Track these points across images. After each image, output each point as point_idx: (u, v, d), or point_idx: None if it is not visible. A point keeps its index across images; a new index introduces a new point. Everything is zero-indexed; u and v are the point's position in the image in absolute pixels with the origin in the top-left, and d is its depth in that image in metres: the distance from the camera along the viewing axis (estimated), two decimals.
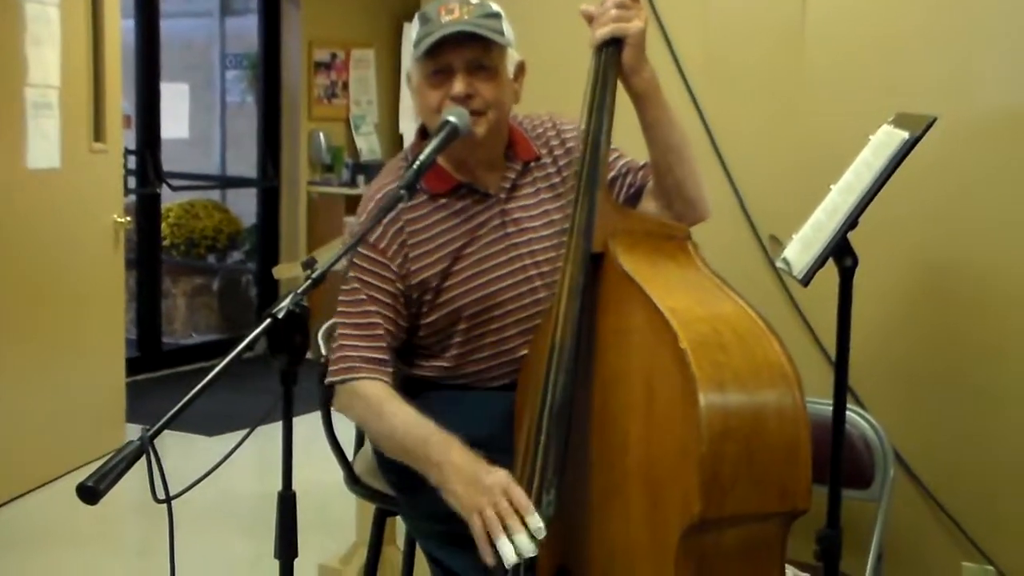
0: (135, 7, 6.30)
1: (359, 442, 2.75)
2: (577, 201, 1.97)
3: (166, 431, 1.61)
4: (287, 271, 5.41)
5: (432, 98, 2.14)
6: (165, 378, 6.37)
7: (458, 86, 2.11)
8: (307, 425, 2.70)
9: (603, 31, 2.00)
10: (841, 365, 2.29)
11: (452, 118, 2.02)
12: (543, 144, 2.30)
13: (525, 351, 2.18)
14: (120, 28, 5.01)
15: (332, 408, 2.24)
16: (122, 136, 5.17)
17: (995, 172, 2.81)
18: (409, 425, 2.07)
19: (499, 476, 1.89)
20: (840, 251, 2.27)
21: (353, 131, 7.07)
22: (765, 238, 3.06)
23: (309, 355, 1.90)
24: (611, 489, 1.89)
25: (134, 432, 1.55)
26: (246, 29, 7.86)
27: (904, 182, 2.37)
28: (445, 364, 2.24)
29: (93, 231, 4.84)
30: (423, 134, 2.24)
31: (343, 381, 2.16)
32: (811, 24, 3.00)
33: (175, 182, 6.86)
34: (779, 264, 2.45)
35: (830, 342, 2.44)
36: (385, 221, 2.12)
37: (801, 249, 2.35)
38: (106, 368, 5.00)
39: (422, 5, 3.82)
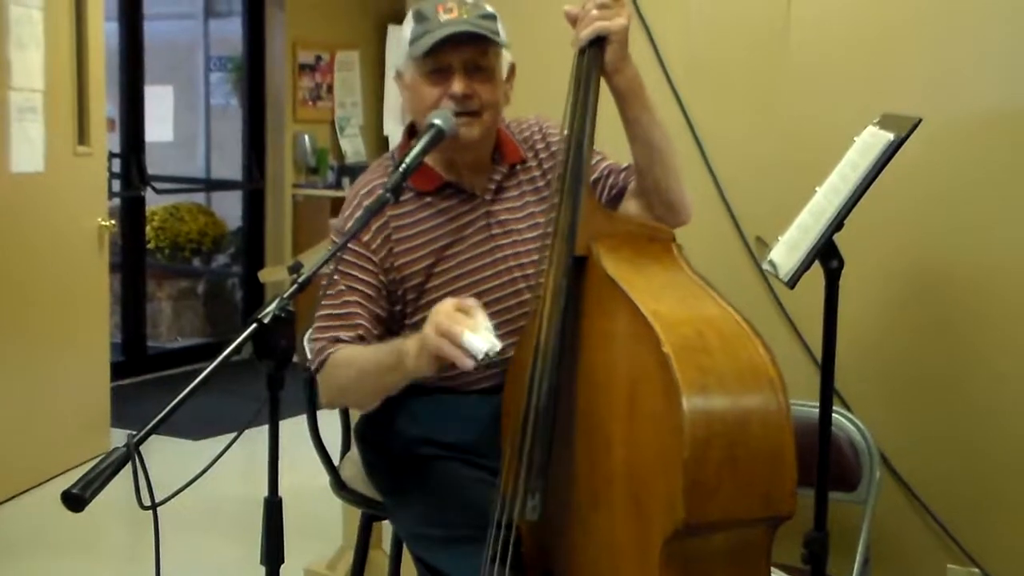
0: (119, 10, 6.28)
1: (346, 446, 2.74)
2: (560, 203, 1.96)
3: (152, 435, 1.61)
4: (273, 274, 5.40)
5: (429, 96, 2.13)
6: (150, 382, 6.35)
7: (458, 86, 2.10)
8: (293, 429, 2.69)
9: (586, 31, 2.00)
10: (827, 367, 2.29)
11: (437, 120, 2.02)
12: (529, 147, 2.30)
13: (509, 353, 2.18)
14: (104, 31, 4.99)
15: (320, 406, 2.23)
16: (106, 139, 5.15)
17: (981, 173, 2.81)
18: (373, 349, 2.07)
19: (447, 301, 1.90)
20: (826, 253, 2.27)
21: (338, 133, 7.06)
22: (751, 240, 3.06)
23: (295, 359, 1.90)
24: (595, 493, 1.88)
25: (119, 437, 1.54)
26: (230, 31, 7.84)
27: (890, 183, 2.38)
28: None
29: (77, 235, 4.82)
30: (411, 133, 2.23)
31: (320, 364, 2.15)
32: (796, 25, 3.01)
33: (160, 185, 6.84)
34: (765, 266, 2.45)
35: (816, 344, 2.44)
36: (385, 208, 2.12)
37: (787, 251, 2.36)
38: (91, 372, 4.98)
39: (408, 5, 3.82)
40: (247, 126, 7.00)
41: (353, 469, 2.55)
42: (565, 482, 1.92)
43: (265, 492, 1.80)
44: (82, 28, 4.78)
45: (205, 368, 1.64)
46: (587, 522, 1.91)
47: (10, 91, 4.38)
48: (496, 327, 2.17)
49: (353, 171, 6.70)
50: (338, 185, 6.83)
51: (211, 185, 8.64)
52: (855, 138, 2.40)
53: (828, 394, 2.30)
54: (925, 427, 2.90)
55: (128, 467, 1.56)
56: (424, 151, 1.95)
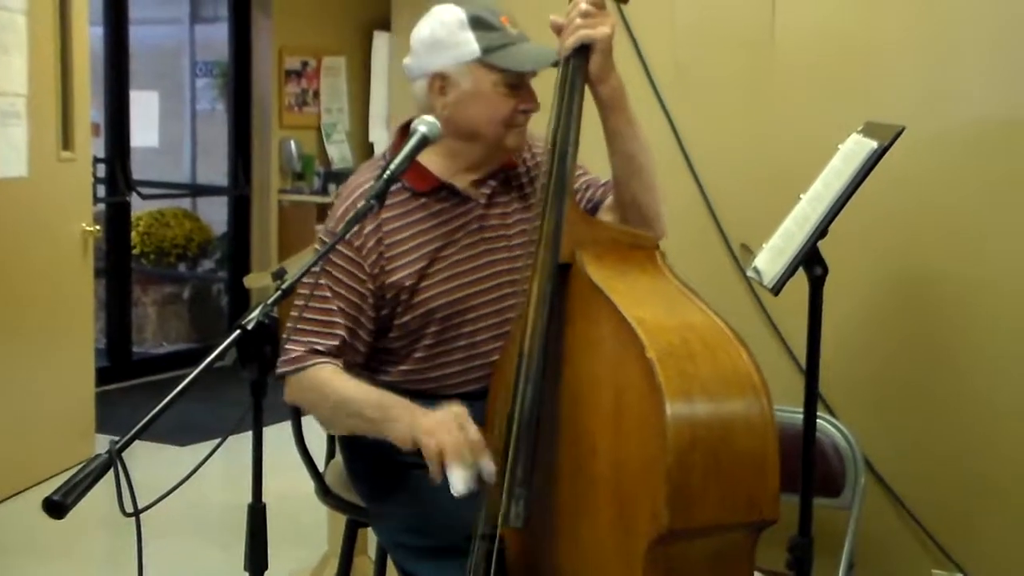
0: (104, 14, 6.25)
1: (330, 453, 2.74)
2: (545, 211, 1.97)
3: (137, 441, 1.60)
4: (259, 280, 5.39)
5: (506, 107, 2.16)
6: (135, 388, 6.32)
7: (534, 101, 2.16)
8: (278, 435, 2.69)
9: (570, 39, 2.01)
10: (812, 373, 2.30)
11: (423, 128, 2.01)
12: (518, 157, 2.31)
13: (495, 357, 2.18)
14: (88, 35, 4.97)
15: (287, 399, 2.22)
16: (91, 144, 5.13)
17: (964, 181, 2.82)
18: (362, 392, 2.09)
19: (458, 409, 1.93)
20: (810, 260, 2.28)
21: (324, 139, 7.05)
22: (736, 247, 3.07)
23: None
24: (579, 499, 1.89)
25: (104, 443, 1.54)
26: (216, 37, 7.83)
27: (874, 191, 2.38)
28: (412, 367, 2.23)
29: (62, 240, 4.80)
30: (403, 133, 2.22)
31: (292, 372, 2.15)
32: (780, 33, 3.02)
33: (145, 190, 6.81)
34: (750, 273, 2.46)
35: (801, 350, 2.45)
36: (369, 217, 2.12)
37: (771, 258, 2.36)
38: (75, 378, 4.96)
39: (393, 12, 3.83)
40: (233, 131, 6.98)
41: (338, 475, 2.55)
42: (548, 488, 1.92)
43: (250, 498, 1.79)
44: (66, 32, 4.76)
45: (190, 374, 1.64)
46: (571, 528, 1.91)
47: None
48: (484, 330, 2.19)
49: (339, 177, 6.68)
50: (324, 191, 6.82)
51: (197, 191, 8.61)
52: (839, 146, 2.41)
53: (812, 400, 2.30)
54: (910, 433, 2.91)
55: (112, 473, 1.55)
56: (408, 158, 1.95)
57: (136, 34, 6.60)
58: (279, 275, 1.77)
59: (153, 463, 4.27)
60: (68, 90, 4.79)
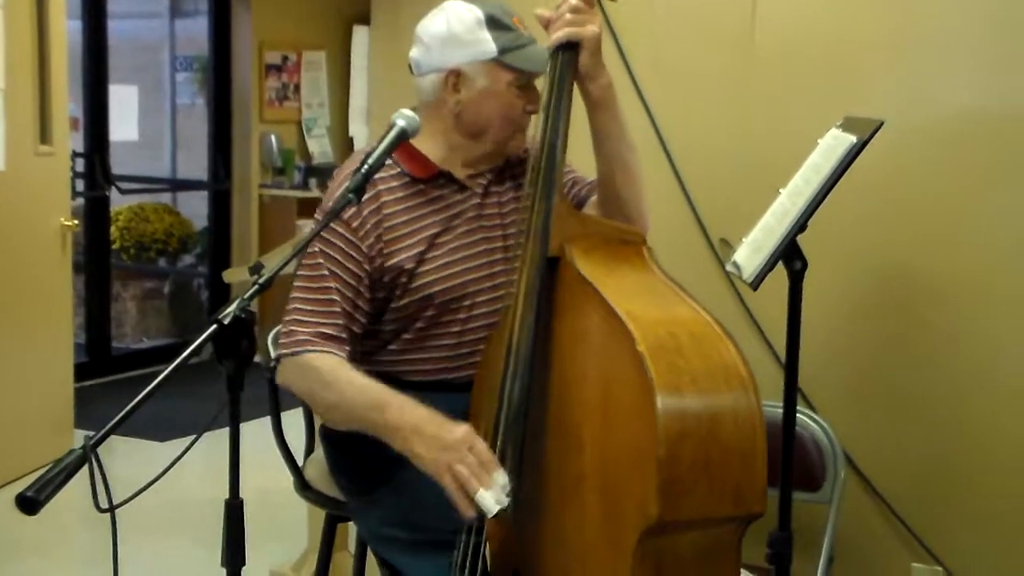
0: (82, 8, 6.22)
1: (309, 448, 2.73)
2: (533, 205, 1.97)
3: (116, 437, 1.59)
4: (238, 275, 5.36)
5: (517, 106, 2.18)
6: (115, 383, 6.30)
7: (539, 103, 2.15)
8: (258, 430, 2.68)
9: (558, 34, 2.01)
10: (791, 367, 2.30)
11: (401, 122, 2.01)
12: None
13: (483, 346, 2.18)
14: (66, 29, 4.94)
15: (279, 381, 2.20)
16: (69, 138, 5.11)
17: (944, 176, 2.83)
18: (363, 391, 2.06)
19: (462, 431, 1.90)
20: (789, 254, 2.28)
21: (305, 134, 7.04)
22: (715, 241, 3.07)
23: (258, 359, 1.89)
24: (567, 492, 1.89)
25: (83, 439, 1.52)
26: (196, 31, 7.80)
27: (853, 185, 2.39)
28: (399, 348, 2.22)
29: (40, 235, 4.78)
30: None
31: (293, 354, 2.12)
32: (760, 28, 3.02)
33: (124, 185, 6.79)
34: (729, 267, 2.46)
35: (780, 344, 2.45)
36: (364, 199, 2.11)
37: (751, 252, 2.36)
38: (54, 374, 4.94)
39: (373, 8, 3.81)
40: (213, 126, 6.96)
41: (317, 470, 2.54)
42: (536, 481, 1.92)
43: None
44: (43, 26, 4.74)
45: (164, 371, 1.63)
46: (557, 522, 1.91)
47: None
48: (478, 317, 2.19)
49: (320, 172, 6.67)
50: (305, 186, 6.81)
51: (177, 185, 8.59)
52: (818, 140, 2.41)
53: (792, 394, 2.30)
54: (889, 427, 2.92)
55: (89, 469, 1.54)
56: (386, 152, 1.95)
57: (115, 28, 6.57)
58: (256, 269, 1.75)
59: (132, 459, 4.27)
60: (45, 84, 4.76)
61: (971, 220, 2.81)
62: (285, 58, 6.93)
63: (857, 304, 2.95)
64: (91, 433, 1.56)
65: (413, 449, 1.94)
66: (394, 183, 2.20)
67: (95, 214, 6.40)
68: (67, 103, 5.00)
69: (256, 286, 1.72)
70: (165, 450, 4.90)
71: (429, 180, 2.22)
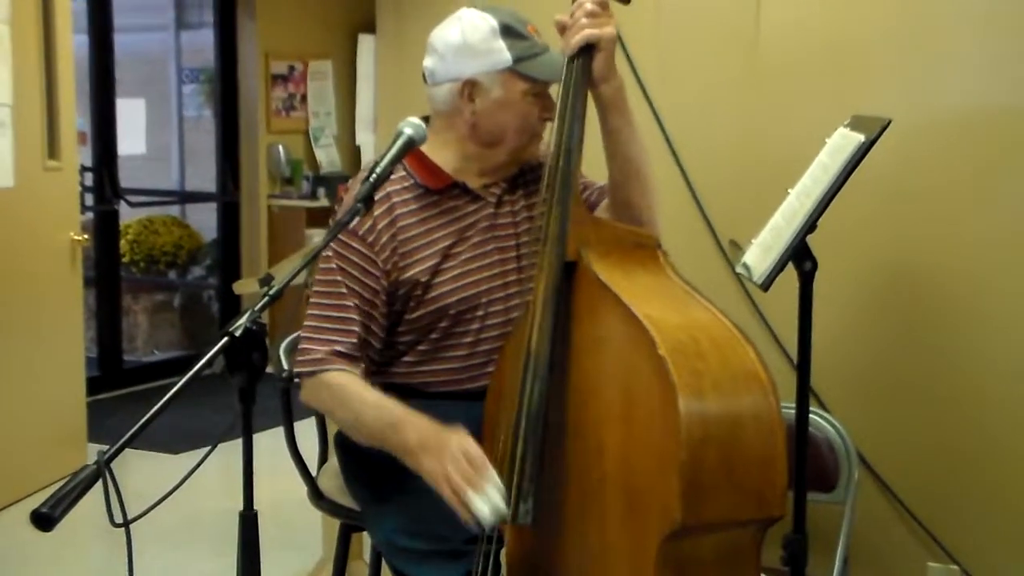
0: (88, 22, 6.24)
1: (323, 458, 2.73)
2: (550, 210, 1.97)
3: (129, 450, 1.59)
4: (249, 286, 5.37)
5: (534, 114, 2.18)
6: (127, 396, 6.31)
7: (555, 111, 2.13)
8: (271, 440, 2.69)
9: (576, 38, 2.01)
10: (803, 368, 2.30)
11: (408, 130, 2.01)
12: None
13: (496, 356, 2.18)
14: (72, 43, 4.95)
15: (300, 399, 2.22)
16: (77, 153, 5.11)
17: (952, 174, 2.83)
18: (375, 410, 2.08)
19: (456, 438, 1.91)
20: (799, 255, 2.28)
21: (312, 143, 7.04)
22: (725, 243, 3.07)
23: (270, 369, 1.89)
24: (587, 497, 1.88)
25: (96, 453, 1.52)
26: (202, 43, 7.82)
27: (862, 185, 2.38)
28: (414, 359, 2.23)
29: (50, 250, 4.78)
30: None
31: (312, 374, 2.15)
32: (765, 28, 3.02)
33: (133, 198, 6.80)
34: (739, 269, 2.45)
35: (792, 345, 2.44)
36: (376, 213, 2.12)
37: (760, 254, 2.36)
38: (66, 388, 4.94)
39: (378, 16, 3.82)
40: (220, 138, 6.97)
41: (331, 480, 2.54)
42: (555, 486, 1.92)
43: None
44: (50, 41, 4.74)
45: (177, 384, 1.63)
46: (578, 527, 1.91)
47: None
48: (491, 328, 2.19)
49: (328, 181, 6.67)
50: (313, 196, 6.81)
51: (185, 197, 8.60)
52: (826, 140, 2.41)
53: (804, 395, 2.30)
54: (903, 426, 2.91)
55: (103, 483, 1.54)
56: (394, 161, 1.95)
57: (121, 42, 6.58)
58: (266, 281, 1.75)
59: (146, 472, 4.26)
60: (53, 99, 4.77)
61: (980, 216, 2.81)
62: (291, 68, 6.93)
63: (868, 303, 2.94)
64: (105, 447, 1.56)
65: (421, 465, 1.97)
66: (408, 195, 2.20)
67: (104, 228, 6.41)
68: (75, 117, 5.00)
69: (266, 298, 1.72)
70: (179, 462, 4.91)
71: (443, 191, 2.22)
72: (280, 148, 6.85)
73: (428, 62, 2.22)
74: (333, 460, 2.49)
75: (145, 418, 1.57)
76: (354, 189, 2.24)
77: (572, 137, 1.98)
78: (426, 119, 2.14)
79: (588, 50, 2.02)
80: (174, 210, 8.03)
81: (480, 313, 2.21)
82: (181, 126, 8.72)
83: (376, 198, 1.96)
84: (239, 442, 1.77)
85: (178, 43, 8.83)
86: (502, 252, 2.23)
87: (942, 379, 2.86)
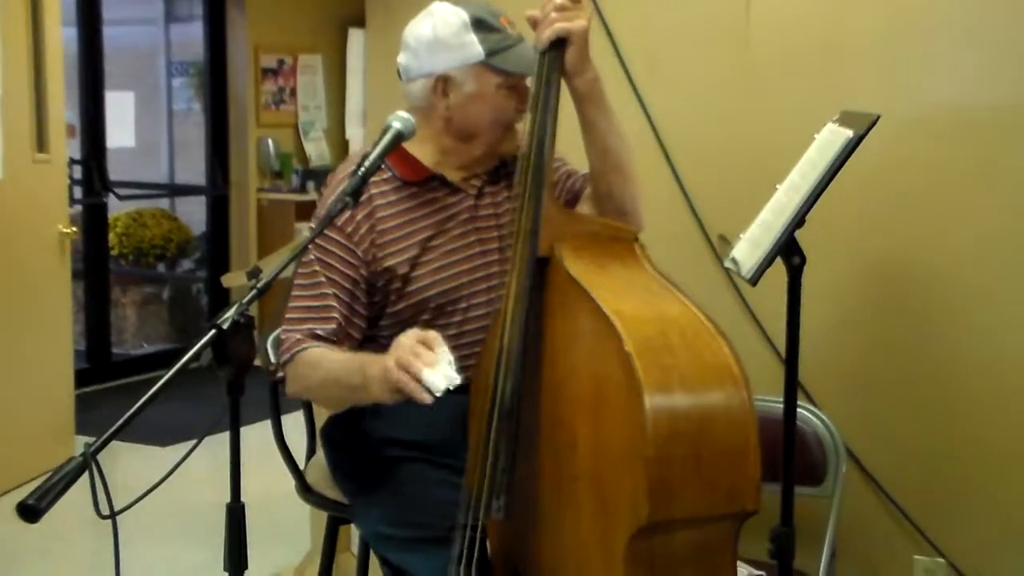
0: (77, 15, 6.22)
1: (311, 450, 2.73)
2: (523, 205, 1.97)
3: (117, 442, 1.59)
4: (237, 279, 5.36)
5: (509, 107, 2.17)
6: (115, 389, 6.30)
7: (529, 102, 2.14)
8: (259, 433, 2.68)
9: (547, 32, 2.01)
10: (791, 363, 2.30)
11: (397, 124, 2.01)
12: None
13: (479, 348, 2.17)
14: (61, 36, 4.94)
15: (285, 394, 2.20)
16: (66, 146, 5.10)
17: (941, 169, 2.83)
18: (347, 359, 2.06)
19: (410, 333, 1.88)
20: (788, 250, 2.28)
21: (302, 137, 7.03)
22: (714, 238, 3.07)
23: (257, 363, 1.89)
24: (560, 492, 1.89)
25: (84, 445, 1.52)
26: (191, 36, 7.79)
27: (851, 180, 2.39)
28: None
29: (38, 242, 4.77)
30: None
31: (291, 357, 2.13)
32: (755, 22, 3.02)
33: (122, 191, 6.79)
34: (727, 264, 2.45)
35: (781, 340, 2.45)
36: (345, 213, 2.11)
37: (749, 248, 2.36)
38: (54, 380, 4.93)
39: (368, 9, 3.81)
40: (210, 131, 6.96)
41: (318, 472, 2.54)
42: (530, 481, 1.92)
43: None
44: (39, 33, 4.73)
45: (164, 377, 1.63)
46: (552, 521, 1.91)
47: None
48: (475, 319, 2.19)
49: (317, 175, 6.67)
50: (303, 189, 6.80)
51: (174, 190, 8.58)
52: (815, 135, 2.41)
53: (792, 389, 2.30)
54: (890, 421, 2.92)
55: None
56: (382, 155, 1.95)
57: (110, 35, 6.56)
58: (254, 274, 1.75)
59: (133, 464, 4.27)
60: (41, 91, 4.76)
61: (969, 212, 2.81)
62: (281, 62, 6.92)
63: (857, 298, 2.95)
64: (92, 440, 1.56)
65: (381, 377, 1.89)
66: (386, 187, 2.19)
67: (93, 221, 6.40)
68: (63, 110, 4.99)
69: (254, 290, 1.72)
70: (166, 455, 4.90)
71: (422, 183, 2.21)
72: (269, 142, 6.85)
73: (402, 58, 2.21)
74: (320, 453, 2.49)
75: (132, 410, 1.57)
76: (332, 185, 2.24)
77: (544, 131, 1.98)
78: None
79: (560, 44, 2.01)
80: (163, 203, 8.01)
81: (462, 305, 2.20)
82: (170, 119, 8.70)
83: (328, 214, 1.94)
84: (226, 435, 1.77)
85: (167, 36, 8.80)
86: (484, 244, 2.23)
87: (930, 374, 2.86)
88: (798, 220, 2.27)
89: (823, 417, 2.71)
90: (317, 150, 7.05)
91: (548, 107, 1.99)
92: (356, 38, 6.86)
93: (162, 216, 7.66)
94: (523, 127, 2.15)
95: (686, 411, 1.74)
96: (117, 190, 6.61)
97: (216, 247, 7.04)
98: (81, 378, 5.43)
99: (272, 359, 2.65)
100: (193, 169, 7.61)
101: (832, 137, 2.34)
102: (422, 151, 2.21)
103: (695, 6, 3.12)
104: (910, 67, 2.85)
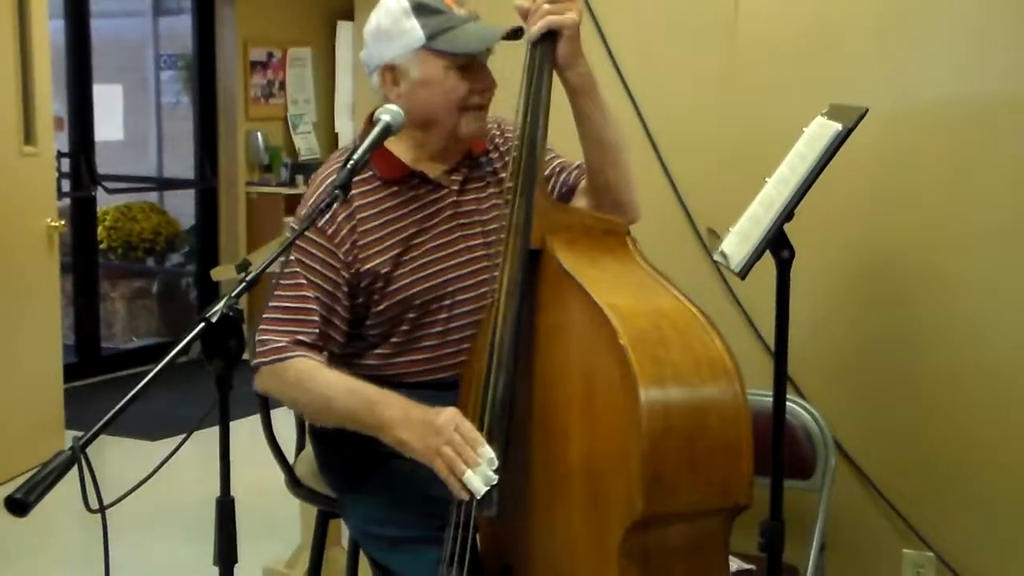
0: (64, 7, 6.20)
1: (300, 444, 2.73)
2: (515, 198, 1.96)
3: (106, 437, 1.59)
4: (226, 273, 5.35)
5: (460, 89, 2.13)
6: (105, 383, 6.29)
7: (490, 81, 2.13)
8: (248, 427, 2.68)
9: (537, 25, 1.99)
10: (780, 356, 2.30)
11: (386, 117, 2.00)
12: (488, 140, 2.30)
13: (468, 344, 2.17)
14: (49, 28, 4.92)
15: (256, 389, 2.19)
16: (54, 139, 5.09)
17: (930, 163, 2.84)
18: (347, 391, 2.06)
19: (448, 414, 1.91)
20: (777, 243, 2.28)
21: (291, 130, 7.03)
22: (703, 231, 3.07)
23: (246, 356, 1.88)
24: (553, 487, 1.88)
25: (73, 439, 1.52)
26: (180, 29, 7.77)
27: (840, 173, 2.39)
28: (386, 351, 2.21)
29: (26, 236, 4.76)
30: (370, 122, 2.20)
31: (272, 362, 2.11)
32: (743, 16, 3.02)
33: (111, 185, 6.77)
34: (716, 257, 2.46)
35: (769, 333, 2.45)
36: (335, 206, 2.09)
37: (738, 242, 2.36)
38: (43, 375, 4.93)
39: (356, 5, 3.80)
40: (199, 124, 6.95)
41: (308, 467, 2.54)
42: (522, 475, 1.92)
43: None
44: (26, 26, 4.72)
45: (152, 370, 1.62)
46: (545, 517, 1.91)
47: None
48: (461, 316, 2.18)
49: (306, 168, 6.66)
50: (292, 182, 6.80)
51: (163, 184, 8.56)
52: (804, 128, 2.41)
53: (782, 383, 2.30)
54: (879, 414, 2.92)
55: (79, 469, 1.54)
56: (371, 148, 1.94)
57: (98, 27, 6.55)
58: (243, 267, 1.75)
59: (122, 458, 4.26)
60: (29, 84, 4.75)
61: (958, 206, 2.82)
62: (270, 55, 6.91)
63: (846, 292, 2.95)
64: (81, 434, 1.55)
65: (401, 438, 1.95)
66: (366, 187, 2.17)
67: (81, 214, 6.39)
68: (51, 103, 4.98)
69: (243, 284, 1.72)
70: (155, 449, 4.88)
71: (402, 181, 2.20)
72: (258, 135, 6.84)
73: (361, 53, 2.21)
74: (310, 448, 2.48)
75: (121, 404, 1.56)
76: (315, 183, 2.22)
77: (536, 124, 1.97)
78: None
79: (550, 36, 2.00)
80: (152, 197, 7.99)
81: (447, 303, 2.19)
82: (159, 112, 8.67)
83: (317, 206, 1.93)
84: (215, 429, 1.76)
85: (156, 29, 8.77)
86: (468, 240, 2.21)
87: (919, 367, 2.87)
88: (787, 213, 2.27)
89: (812, 410, 2.71)
90: (306, 143, 7.04)
91: (540, 100, 1.98)
92: (345, 31, 6.85)
93: (151, 210, 7.64)
94: (508, 115, 2.13)
95: (680, 404, 1.74)
96: (105, 183, 6.60)
97: (205, 241, 7.03)
98: (70, 372, 5.42)
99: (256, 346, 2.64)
100: (182, 162, 7.59)
101: (821, 130, 2.35)
102: (399, 148, 2.19)
103: (684, 1, 3.11)
104: (899, 60, 2.85)
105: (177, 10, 8.34)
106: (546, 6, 1.99)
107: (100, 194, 6.55)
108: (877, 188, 2.88)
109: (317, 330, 2.13)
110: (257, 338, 2.17)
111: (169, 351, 1.63)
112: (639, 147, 3.08)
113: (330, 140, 7.09)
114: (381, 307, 2.17)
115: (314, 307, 2.13)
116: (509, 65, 2.17)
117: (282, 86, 6.96)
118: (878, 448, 2.93)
